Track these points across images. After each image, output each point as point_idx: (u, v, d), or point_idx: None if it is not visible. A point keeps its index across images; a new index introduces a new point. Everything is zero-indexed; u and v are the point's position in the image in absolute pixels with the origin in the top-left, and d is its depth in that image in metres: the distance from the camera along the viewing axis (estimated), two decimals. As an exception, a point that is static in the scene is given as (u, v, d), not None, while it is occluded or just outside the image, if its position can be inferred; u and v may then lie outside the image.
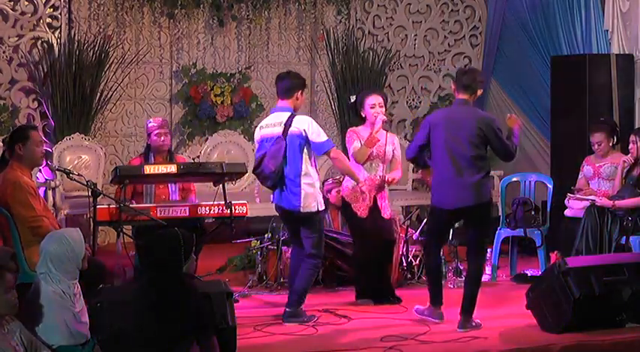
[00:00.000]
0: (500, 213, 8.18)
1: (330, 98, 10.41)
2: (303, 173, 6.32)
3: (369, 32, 10.75)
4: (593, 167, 7.74)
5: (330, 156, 6.50)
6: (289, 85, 6.48)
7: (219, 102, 9.92)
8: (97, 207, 6.45)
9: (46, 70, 9.41)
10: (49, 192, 8.74)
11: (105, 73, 9.51)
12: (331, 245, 7.25)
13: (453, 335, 6.02)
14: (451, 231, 7.33)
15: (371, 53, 10.51)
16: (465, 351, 5.79)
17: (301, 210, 6.33)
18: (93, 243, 6.48)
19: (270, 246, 7.55)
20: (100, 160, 9.33)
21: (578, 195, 7.57)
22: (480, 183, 6.19)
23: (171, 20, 9.96)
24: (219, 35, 10.17)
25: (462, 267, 7.41)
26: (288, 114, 6.39)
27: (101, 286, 5.42)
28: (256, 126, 6.75)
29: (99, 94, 9.48)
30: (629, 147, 7.40)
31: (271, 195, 6.59)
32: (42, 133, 8.20)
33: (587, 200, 7.36)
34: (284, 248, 7.34)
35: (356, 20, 10.66)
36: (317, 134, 6.36)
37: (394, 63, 10.80)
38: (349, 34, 10.47)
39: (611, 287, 6.09)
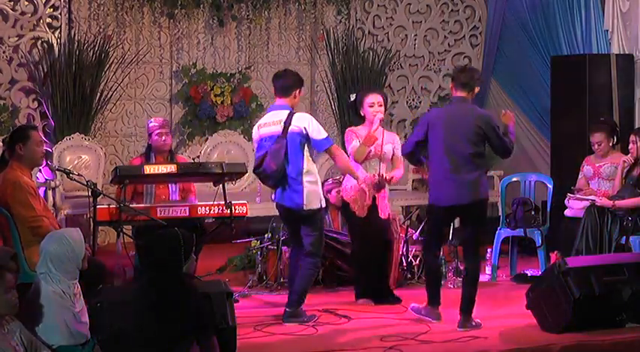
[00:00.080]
0: (500, 213, 8.18)
1: (330, 98, 10.42)
2: (304, 171, 6.31)
3: (369, 32, 10.75)
4: (593, 167, 7.74)
5: (331, 153, 6.49)
6: (288, 83, 6.46)
7: (219, 102, 9.93)
8: (97, 207, 6.45)
9: (46, 70, 9.41)
10: (49, 192, 8.74)
11: (105, 73, 9.51)
12: (331, 245, 7.26)
13: (452, 335, 6.02)
14: (451, 230, 7.34)
15: (371, 53, 10.51)
16: (465, 351, 5.79)
17: (304, 207, 6.31)
18: (93, 243, 6.48)
19: (270, 246, 7.55)
20: (100, 160, 9.33)
21: (578, 195, 7.57)
22: (478, 181, 6.21)
23: (171, 20, 9.95)
24: (219, 35, 10.17)
25: (462, 267, 7.40)
26: (287, 112, 6.37)
27: (101, 286, 5.42)
28: (256, 126, 6.75)
29: (99, 94, 9.48)
30: (629, 147, 7.40)
31: (272, 195, 6.59)
32: (42, 133, 8.20)
33: (587, 200, 7.36)
34: (284, 248, 7.33)
35: (356, 20, 10.66)
36: (317, 131, 6.36)
37: (394, 63, 10.81)
38: (349, 34, 10.47)
39: (611, 287, 6.09)
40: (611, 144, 7.71)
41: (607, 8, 9.22)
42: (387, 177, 6.89)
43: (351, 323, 6.38)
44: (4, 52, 9.39)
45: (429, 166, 6.44)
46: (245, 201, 6.89)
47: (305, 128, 6.31)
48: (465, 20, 11.08)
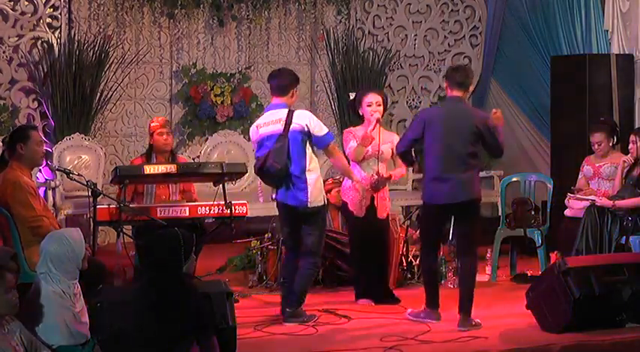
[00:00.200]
0: (500, 213, 8.18)
1: (330, 98, 10.42)
2: (308, 168, 6.31)
3: (369, 32, 10.75)
4: (593, 167, 7.73)
5: (330, 151, 6.47)
6: (284, 82, 6.44)
7: (219, 102, 9.93)
8: (97, 207, 6.46)
9: (46, 70, 9.41)
10: (49, 192, 8.74)
11: (105, 73, 9.50)
12: (331, 245, 7.26)
13: (453, 335, 6.02)
14: (451, 230, 7.33)
15: (371, 53, 10.51)
16: (465, 351, 5.79)
17: (308, 205, 6.30)
18: (93, 243, 6.48)
19: (270, 246, 7.55)
20: (100, 160, 9.33)
21: (578, 195, 7.57)
22: (472, 180, 6.25)
23: (171, 20, 9.95)
24: (219, 35, 10.17)
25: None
26: (286, 110, 6.35)
27: (101, 286, 5.42)
28: (255, 126, 6.73)
29: (99, 94, 9.48)
30: (629, 147, 7.40)
31: (272, 194, 6.57)
32: (42, 133, 8.22)
33: (587, 200, 7.35)
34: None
35: (356, 20, 10.66)
36: (319, 127, 6.36)
37: (394, 63, 10.80)
38: (349, 34, 10.47)
39: (611, 287, 6.09)
40: (611, 144, 7.70)
41: (607, 8, 9.21)
42: (382, 175, 6.87)
43: (351, 323, 6.38)
44: (4, 52, 9.38)
45: (422, 164, 6.45)
46: (245, 201, 6.89)
47: (307, 125, 6.30)
48: (465, 20, 11.08)
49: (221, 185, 6.80)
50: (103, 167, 9.33)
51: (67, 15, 9.57)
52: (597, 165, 7.71)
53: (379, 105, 6.97)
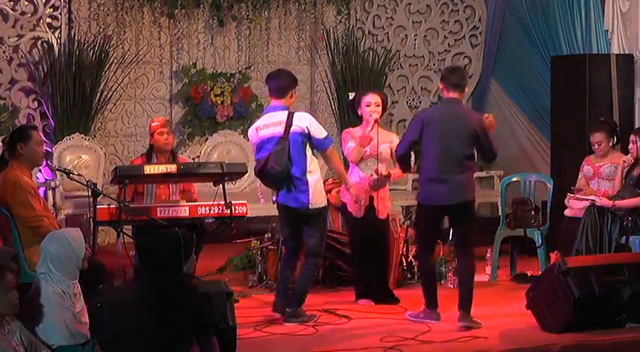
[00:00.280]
0: (500, 213, 8.18)
1: (330, 98, 10.42)
2: (309, 170, 6.31)
3: (369, 32, 10.75)
4: (593, 167, 7.73)
5: (327, 155, 6.46)
6: (283, 84, 6.42)
7: (219, 102, 9.93)
8: (97, 207, 6.46)
9: (46, 70, 9.41)
10: (49, 192, 8.74)
11: (105, 73, 9.50)
12: (331, 245, 7.25)
13: (453, 335, 6.02)
14: (451, 230, 7.33)
15: (371, 53, 10.51)
16: (465, 351, 5.79)
17: (310, 206, 6.30)
18: (93, 243, 6.48)
19: (270, 246, 7.55)
20: (100, 160, 9.33)
21: (578, 195, 7.57)
22: (468, 182, 6.28)
23: (171, 20, 9.95)
24: (219, 35, 10.17)
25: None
26: (286, 112, 6.35)
27: (101, 286, 5.42)
28: (255, 128, 6.72)
29: (99, 94, 9.48)
30: (629, 147, 7.40)
31: (273, 196, 6.56)
32: (42, 133, 8.21)
33: (587, 200, 7.35)
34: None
35: (356, 20, 10.66)
36: (319, 130, 6.36)
37: (394, 63, 10.80)
38: (349, 34, 10.46)
39: (611, 287, 6.09)
40: (611, 144, 7.70)
41: (607, 8, 9.21)
42: (381, 173, 6.85)
43: (351, 323, 6.39)
44: (4, 52, 9.38)
45: (419, 165, 6.45)
46: (245, 201, 6.90)
47: (307, 127, 6.30)
48: (465, 20, 11.08)
49: (221, 185, 6.80)
50: (103, 167, 9.33)
51: (67, 15, 9.57)
52: (597, 165, 7.71)
53: (378, 105, 6.97)
